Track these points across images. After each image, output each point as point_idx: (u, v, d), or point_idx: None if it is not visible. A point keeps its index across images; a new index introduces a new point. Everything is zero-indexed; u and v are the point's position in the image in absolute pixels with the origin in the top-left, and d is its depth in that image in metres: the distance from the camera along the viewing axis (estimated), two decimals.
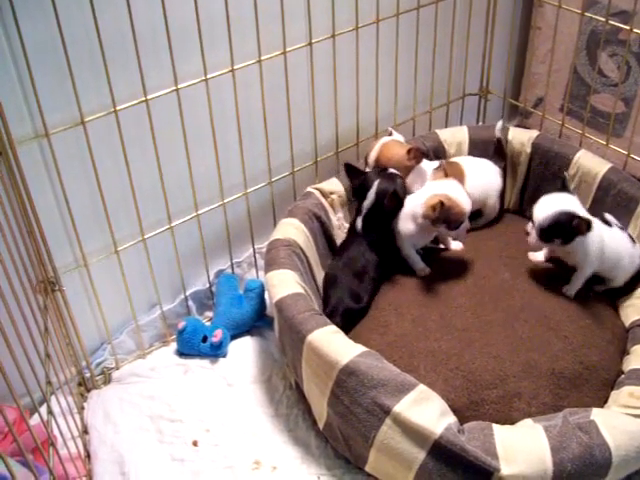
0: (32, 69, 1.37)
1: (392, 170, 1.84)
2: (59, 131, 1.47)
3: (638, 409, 1.47)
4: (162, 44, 1.52)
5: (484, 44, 2.33)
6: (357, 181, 1.88)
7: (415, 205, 1.79)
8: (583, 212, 1.70)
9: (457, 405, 1.49)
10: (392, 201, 1.77)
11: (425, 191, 1.80)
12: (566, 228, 1.66)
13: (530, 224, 1.74)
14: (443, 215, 1.72)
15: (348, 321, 1.73)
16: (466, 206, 1.76)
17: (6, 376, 1.00)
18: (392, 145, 1.92)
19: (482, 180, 2.00)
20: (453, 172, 1.89)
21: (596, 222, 1.70)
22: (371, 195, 1.80)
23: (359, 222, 1.83)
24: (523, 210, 2.13)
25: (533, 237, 1.72)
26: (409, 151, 1.89)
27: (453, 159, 2.07)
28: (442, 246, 1.93)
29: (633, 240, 1.79)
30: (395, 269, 1.85)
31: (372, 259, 1.80)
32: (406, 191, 1.84)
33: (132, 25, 1.45)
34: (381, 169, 1.87)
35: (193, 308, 1.98)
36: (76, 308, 1.68)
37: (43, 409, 1.37)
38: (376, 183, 1.81)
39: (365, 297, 1.77)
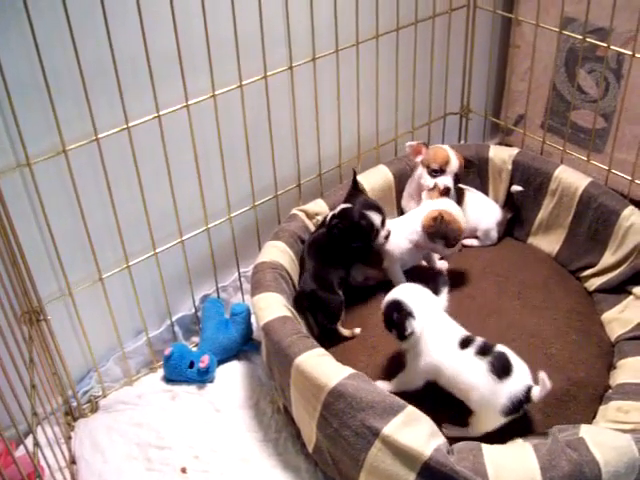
0: (13, 98, 1.36)
1: (370, 214, 1.78)
2: (41, 160, 1.46)
3: (626, 424, 1.48)
4: (143, 71, 1.53)
5: (464, 63, 2.35)
6: (348, 196, 1.87)
7: (411, 222, 1.82)
8: (426, 306, 1.54)
9: None
10: (331, 235, 1.78)
11: (422, 209, 1.83)
12: (393, 320, 1.52)
13: None
14: (442, 229, 1.75)
15: (314, 304, 1.76)
16: (463, 224, 1.79)
17: None
18: (455, 152, 1.99)
19: (479, 209, 2.06)
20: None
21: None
22: (328, 218, 1.82)
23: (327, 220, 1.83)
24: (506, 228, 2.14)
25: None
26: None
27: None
28: (425, 264, 1.95)
29: None
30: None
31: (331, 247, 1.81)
32: (362, 232, 1.78)
33: (112, 53, 1.46)
34: (366, 203, 1.82)
35: (179, 334, 1.97)
36: (61, 337, 1.67)
37: (29, 440, 1.36)
38: (338, 210, 1.80)
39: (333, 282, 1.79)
